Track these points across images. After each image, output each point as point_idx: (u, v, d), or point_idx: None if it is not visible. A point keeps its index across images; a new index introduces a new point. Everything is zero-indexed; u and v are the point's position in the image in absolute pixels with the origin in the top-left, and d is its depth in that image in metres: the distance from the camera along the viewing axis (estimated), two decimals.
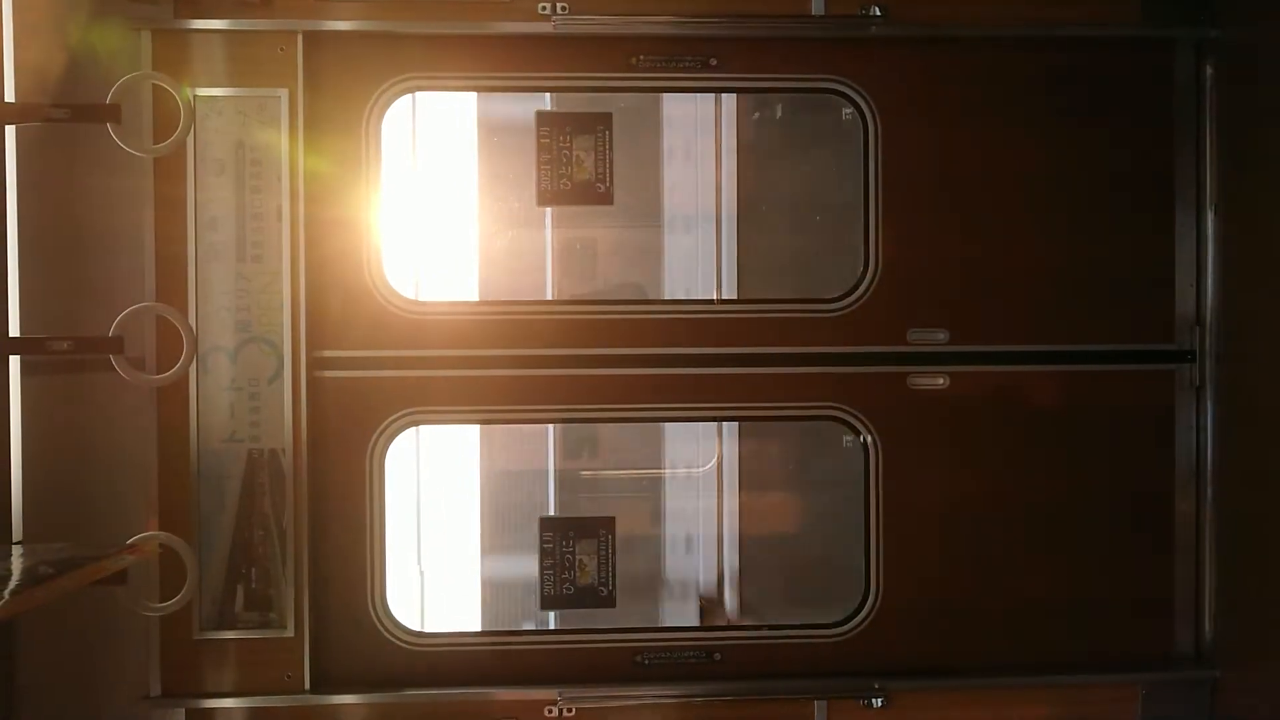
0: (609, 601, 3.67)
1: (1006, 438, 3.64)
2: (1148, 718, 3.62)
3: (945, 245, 3.61)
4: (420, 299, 3.57)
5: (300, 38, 3.36)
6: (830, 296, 3.63)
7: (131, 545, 3.10)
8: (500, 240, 4.46)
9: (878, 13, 3.49)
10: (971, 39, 3.58)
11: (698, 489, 4.74)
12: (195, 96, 3.32)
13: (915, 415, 3.61)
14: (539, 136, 3.60)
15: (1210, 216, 3.62)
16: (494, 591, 5.00)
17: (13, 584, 2.60)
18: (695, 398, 3.63)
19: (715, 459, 4.61)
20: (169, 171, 3.33)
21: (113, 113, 3.14)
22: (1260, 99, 3.47)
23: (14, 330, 3.17)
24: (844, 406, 3.62)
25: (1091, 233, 3.63)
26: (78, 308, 3.29)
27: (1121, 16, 3.60)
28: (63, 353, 3.13)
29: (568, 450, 5.03)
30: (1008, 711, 3.61)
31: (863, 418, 3.61)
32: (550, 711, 3.47)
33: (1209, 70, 3.61)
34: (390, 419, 3.51)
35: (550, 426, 4.85)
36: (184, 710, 3.39)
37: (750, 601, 4.43)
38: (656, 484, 4.91)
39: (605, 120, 3.62)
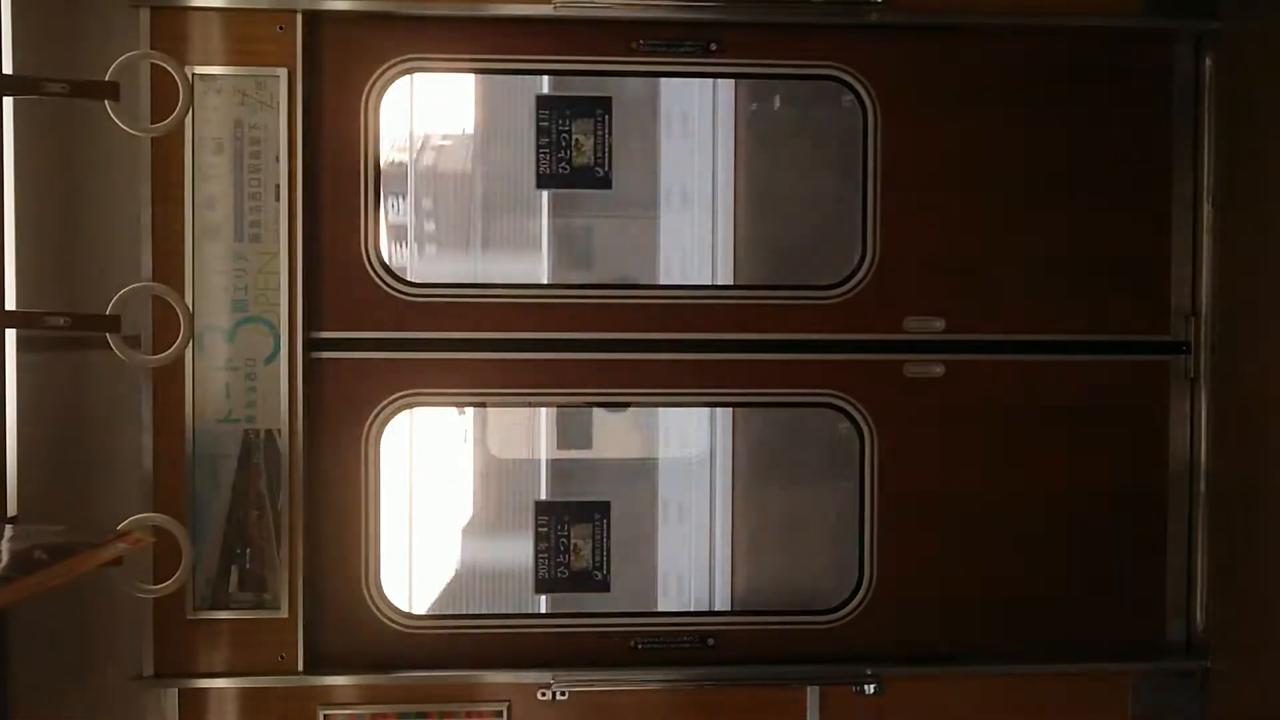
0: (604, 586, 3.68)
1: (1001, 427, 3.65)
2: (1138, 707, 3.64)
3: (942, 234, 3.61)
4: (418, 281, 3.56)
5: (299, 17, 3.35)
6: (827, 283, 3.64)
7: (126, 533, 3.08)
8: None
9: None
10: (972, 28, 3.58)
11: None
12: (194, 76, 3.30)
13: (911, 403, 3.62)
14: (538, 120, 3.60)
15: (1207, 209, 3.63)
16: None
17: (3, 569, 2.58)
18: (690, 383, 3.63)
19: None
20: (166, 151, 3.32)
21: (110, 90, 3.12)
22: (1259, 92, 3.48)
23: (10, 306, 3.15)
24: (839, 394, 3.62)
25: (1089, 223, 3.64)
26: (75, 286, 3.27)
27: (1122, 8, 3.61)
28: (59, 329, 3.11)
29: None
30: (999, 699, 3.62)
31: (858, 405, 3.62)
32: (543, 695, 3.48)
33: (1208, 63, 3.62)
34: (387, 400, 3.50)
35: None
36: (177, 690, 3.39)
37: None
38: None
39: (605, 104, 3.62)
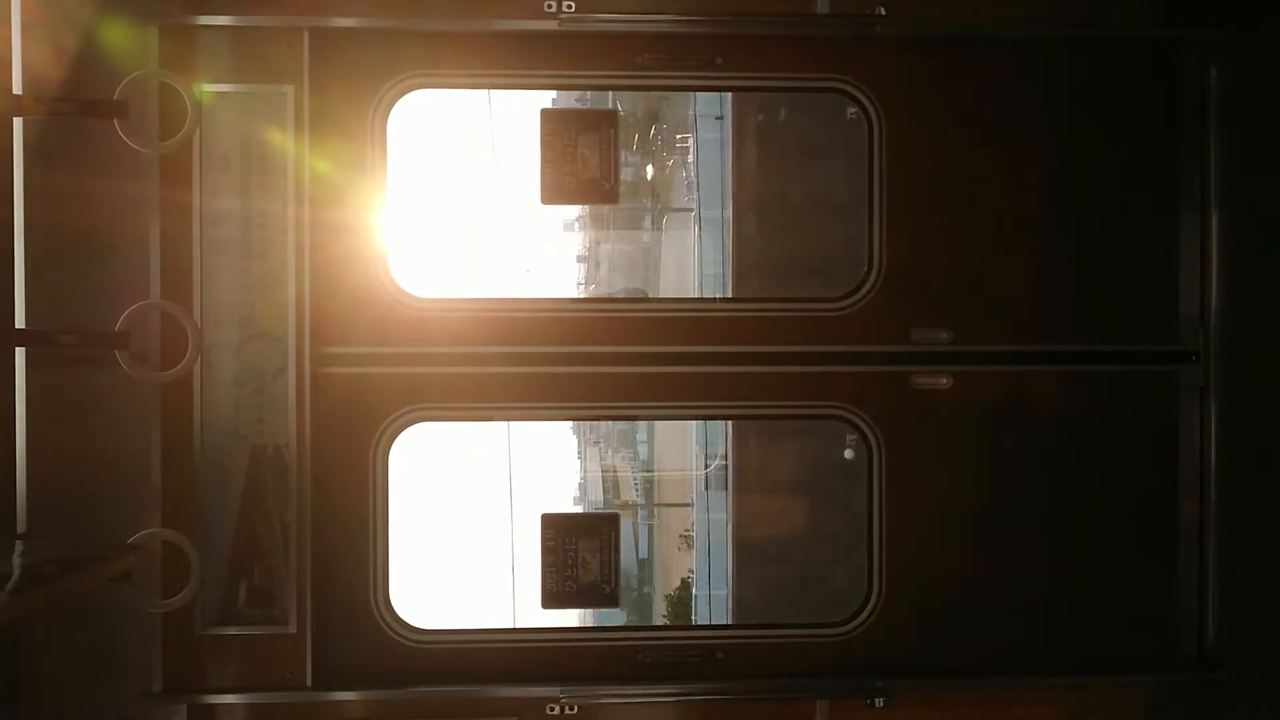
0: (611, 600, 3.67)
1: (1009, 438, 3.64)
2: (1150, 719, 3.61)
3: (949, 244, 3.61)
4: (425, 295, 3.57)
5: (306, 34, 3.37)
6: (833, 296, 3.63)
7: (134, 545, 3.09)
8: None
9: (882, 12, 3.49)
10: (976, 39, 3.58)
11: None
12: (202, 93, 3.32)
13: (918, 415, 3.61)
14: (543, 134, 3.60)
15: (1214, 217, 3.61)
16: None
17: (13, 583, 2.59)
18: (698, 396, 3.63)
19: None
20: (175, 167, 3.34)
21: (119, 109, 3.15)
22: (1264, 100, 3.47)
23: (20, 324, 3.17)
24: (847, 406, 3.62)
25: (1095, 233, 3.63)
26: (84, 304, 3.29)
27: (1126, 17, 3.61)
28: (68, 346, 3.13)
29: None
30: (1010, 712, 3.60)
31: (865, 417, 3.61)
32: (552, 709, 3.46)
33: (1213, 72, 3.61)
34: (394, 415, 3.51)
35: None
36: (185, 706, 3.39)
37: None
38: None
39: (611, 118, 3.62)
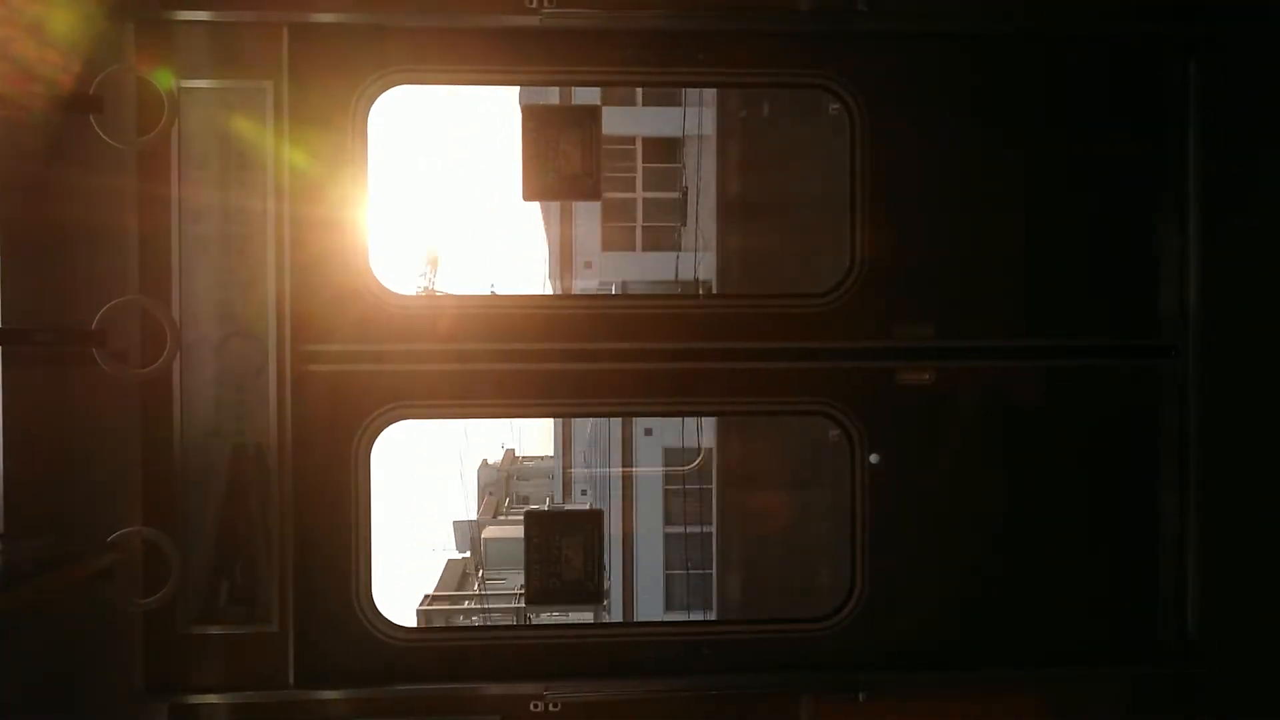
0: (596, 596, 3.67)
1: (992, 432, 3.65)
2: (1133, 711, 3.63)
3: (931, 240, 3.61)
4: (406, 293, 3.56)
5: (285, 30, 3.34)
6: (815, 291, 3.63)
7: (112, 543, 3.07)
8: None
9: (864, 8, 3.48)
10: (957, 34, 3.58)
11: None
12: (179, 88, 3.29)
13: (901, 410, 3.61)
14: (525, 131, 3.59)
15: (1195, 212, 3.63)
16: None
17: None
18: (680, 392, 3.62)
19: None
20: (152, 164, 3.31)
21: (95, 104, 3.12)
22: (1244, 96, 3.50)
23: None
24: (830, 401, 3.62)
25: (1077, 228, 3.64)
26: (61, 301, 3.26)
27: (1108, 14, 3.61)
28: (45, 345, 3.10)
29: None
30: (993, 704, 3.62)
31: (848, 413, 3.61)
32: (536, 706, 3.46)
33: (1194, 67, 3.62)
34: (376, 413, 3.49)
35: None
36: (168, 705, 3.37)
37: None
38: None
39: (594, 114, 3.61)
